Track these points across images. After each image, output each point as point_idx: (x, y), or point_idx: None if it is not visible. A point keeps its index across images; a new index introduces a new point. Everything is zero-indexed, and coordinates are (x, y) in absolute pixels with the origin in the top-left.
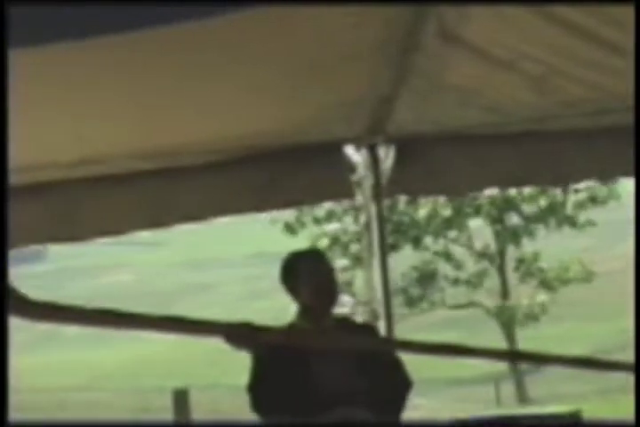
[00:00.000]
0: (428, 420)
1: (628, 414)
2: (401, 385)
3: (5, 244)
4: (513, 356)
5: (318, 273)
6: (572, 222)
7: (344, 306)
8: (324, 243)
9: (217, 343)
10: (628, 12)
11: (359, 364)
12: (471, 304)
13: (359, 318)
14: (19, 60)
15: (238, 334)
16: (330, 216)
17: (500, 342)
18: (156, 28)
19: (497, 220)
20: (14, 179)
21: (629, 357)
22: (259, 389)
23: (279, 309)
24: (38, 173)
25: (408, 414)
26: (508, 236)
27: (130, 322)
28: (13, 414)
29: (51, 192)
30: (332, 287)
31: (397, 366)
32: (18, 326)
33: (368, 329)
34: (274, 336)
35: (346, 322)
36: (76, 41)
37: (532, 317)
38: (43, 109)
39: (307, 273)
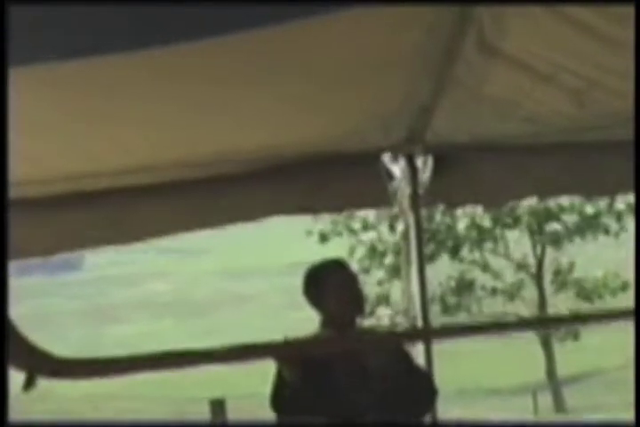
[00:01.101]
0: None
1: None
2: (425, 393)
3: (5, 255)
4: (544, 323)
5: (343, 282)
6: (606, 231)
7: (382, 318)
8: (360, 253)
9: None
10: None
11: (384, 373)
12: (507, 314)
13: (399, 328)
14: (62, 71)
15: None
16: (365, 227)
17: (537, 352)
18: (199, 41)
19: (536, 230)
20: (62, 187)
21: None
22: (286, 403)
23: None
24: (85, 181)
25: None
26: (547, 243)
27: (162, 363)
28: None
29: (98, 200)
30: (357, 296)
31: (421, 375)
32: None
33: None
34: (306, 347)
35: (371, 333)
36: (119, 52)
37: (573, 332)
38: (89, 121)
39: (332, 283)
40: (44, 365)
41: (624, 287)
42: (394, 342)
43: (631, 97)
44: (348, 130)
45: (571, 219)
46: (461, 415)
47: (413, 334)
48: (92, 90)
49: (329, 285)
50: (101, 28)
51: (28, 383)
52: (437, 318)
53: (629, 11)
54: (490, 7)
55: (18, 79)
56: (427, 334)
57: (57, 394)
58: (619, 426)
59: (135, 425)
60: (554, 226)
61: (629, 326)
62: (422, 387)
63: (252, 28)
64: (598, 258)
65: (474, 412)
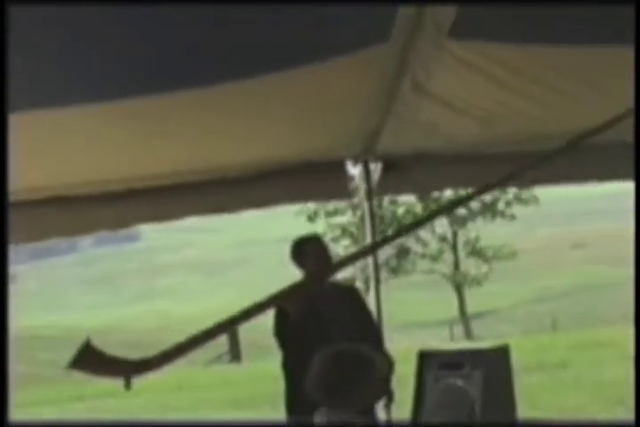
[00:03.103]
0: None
1: (546, 346)
2: (372, 325)
3: (6, 241)
4: (467, 199)
5: (318, 251)
6: (502, 215)
7: (346, 272)
8: (336, 232)
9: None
10: (553, 72)
11: (351, 311)
12: (433, 271)
13: (358, 281)
14: (122, 106)
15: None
16: (336, 211)
17: (452, 296)
18: (223, 84)
19: (451, 213)
20: (121, 185)
21: (538, 308)
22: (288, 331)
23: None
24: (138, 181)
25: (396, 346)
26: (458, 222)
27: (205, 338)
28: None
29: (148, 194)
30: (328, 261)
31: (368, 312)
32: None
33: (353, 289)
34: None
35: (338, 285)
36: (164, 93)
37: (477, 282)
38: (141, 140)
39: (310, 251)
40: (133, 368)
41: (513, 254)
42: (353, 261)
43: (516, 123)
44: (323, 146)
45: (474, 205)
46: (400, 341)
47: (365, 251)
48: (146, 120)
49: (308, 253)
50: (140, 71)
51: (128, 384)
52: (383, 275)
53: (525, 62)
54: (420, 62)
55: (82, 115)
56: (375, 247)
57: (108, 339)
58: (619, 426)
59: (135, 425)
60: (462, 211)
61: (519, 279)
62: (368, 321)
63: (258, 75)
64: (497, 234)
65: (408, 339)
